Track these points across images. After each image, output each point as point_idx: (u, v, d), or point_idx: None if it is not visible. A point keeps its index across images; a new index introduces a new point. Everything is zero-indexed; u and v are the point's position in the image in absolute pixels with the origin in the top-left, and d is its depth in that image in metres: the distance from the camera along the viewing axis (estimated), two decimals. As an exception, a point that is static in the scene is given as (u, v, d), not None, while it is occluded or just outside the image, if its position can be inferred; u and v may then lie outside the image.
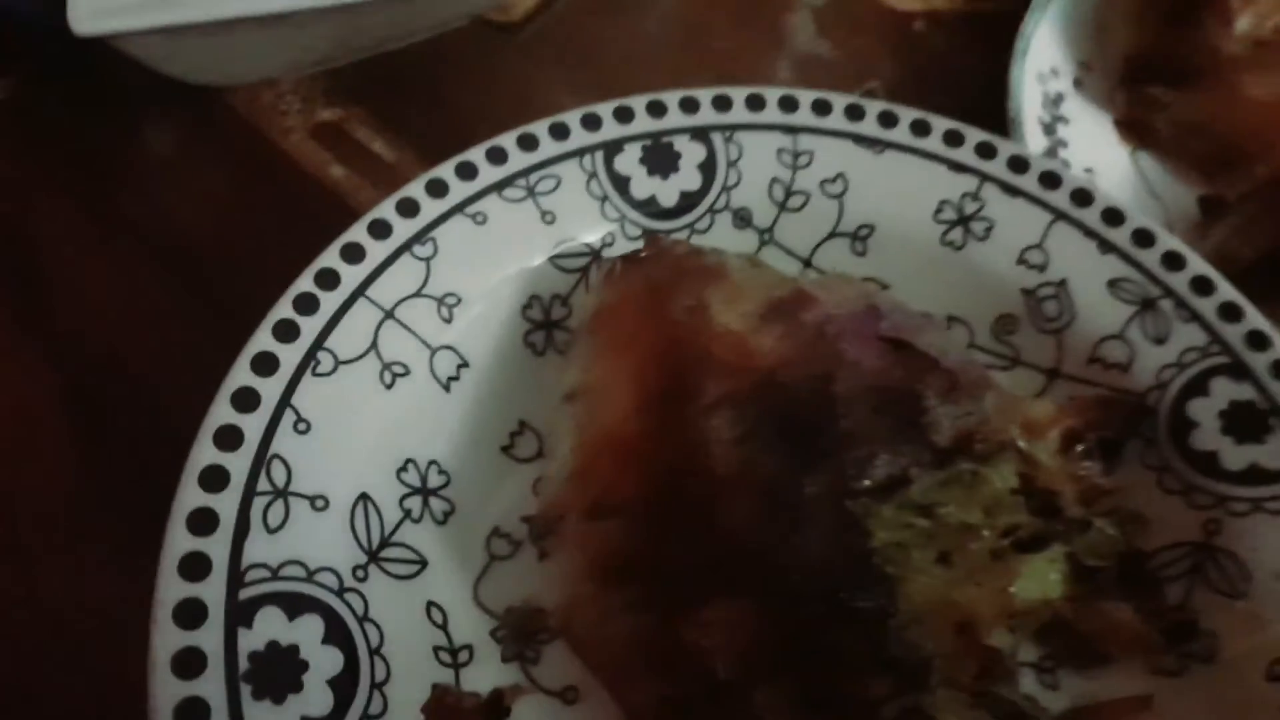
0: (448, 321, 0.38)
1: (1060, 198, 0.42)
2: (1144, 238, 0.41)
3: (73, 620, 0.38)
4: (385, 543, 0.35)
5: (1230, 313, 0.39)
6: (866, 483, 0.33)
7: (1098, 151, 0.51)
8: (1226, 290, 0.39)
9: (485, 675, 0.35)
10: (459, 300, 0.39)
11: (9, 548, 0.39)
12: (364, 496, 0.35)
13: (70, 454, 0.42)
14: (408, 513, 0.36)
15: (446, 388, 0.38)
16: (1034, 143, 0.48)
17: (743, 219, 0.43)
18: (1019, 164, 0.42)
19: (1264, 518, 0.36)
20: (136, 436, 0.42)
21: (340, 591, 0.32)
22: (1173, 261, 0.40)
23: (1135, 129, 0.52)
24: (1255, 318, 0.39)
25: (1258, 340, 0.38)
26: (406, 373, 0.37)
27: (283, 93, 0.53)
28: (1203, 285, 0.40)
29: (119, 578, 0.38)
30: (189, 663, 0.29)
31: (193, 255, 0.47)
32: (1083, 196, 0.42)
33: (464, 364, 0.39)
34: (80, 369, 0.44)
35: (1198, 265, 0.40)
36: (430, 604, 0.35)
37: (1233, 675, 0.35)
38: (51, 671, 0.37)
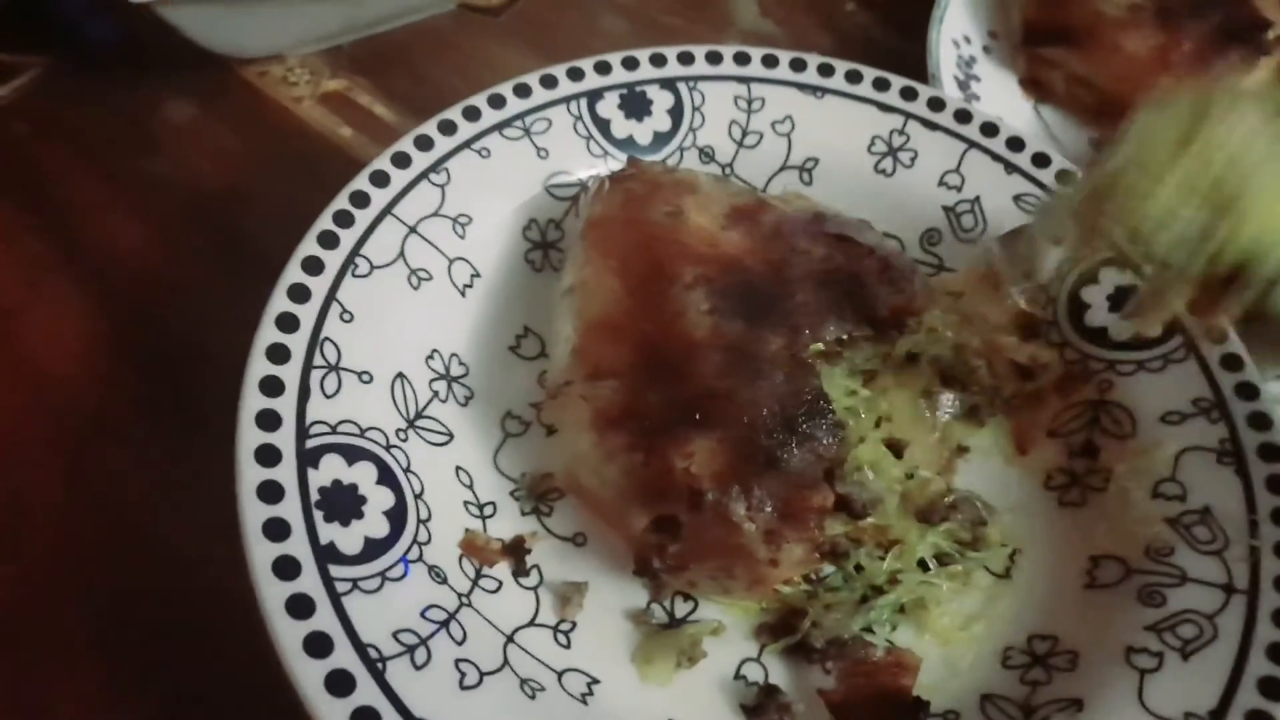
0: (461, 238, 0.45)
1: (972, 130, 0.50)
2: (1041, 160, 0.49)
3: (142, 498, 0.43)
4: (420, 415, 0.41)
5: (1113, 216, 0.47)
6: (818, 344, 0.40)
7: (1006, 105, 0.59)
8: (1109, 199, 0.48)
9: (508, 525, 0.41)
10: (470, 220, 0.45)
11: (87, 449, 0.44)
12: (400, 375, 0.41)
13: (124, 372, 0.47)
14: (436, 393, 0.42)
15: (463, 293, 0.45)
16: (950, 95, 0.56)
17: (707, 155, 0.50)
18: (937, 103, 0.50)
19: (1145, 375, 0.44)
20: (177, 356, 0.47)
21: (387, 447, 0.39)
22: (1065, 178, 0.48)
23: (1036, 85, 0.61)
24: (1133, 219, 0.47)
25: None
26: (430, 278, 0.43)
27: (291, 66, 0.59)
28: (1090, 195, 0.48)
29: (174, 467, 0.43)
30: (270, 492, 0.35)
31: (218, 207, 0.53)
32: (990, 129, 0.50)
33: (476, 274, 0.45)
34: (123, 304, 0.49)
35: (1085, 180, 0.48)
36: (458, 468, 0.41)
37: (1124, 498, 0.42)
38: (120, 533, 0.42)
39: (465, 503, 0.41)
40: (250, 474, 0.35)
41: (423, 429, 0.41)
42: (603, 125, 0.49)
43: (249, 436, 0.36)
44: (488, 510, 0.41)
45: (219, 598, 0.35)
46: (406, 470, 0.39)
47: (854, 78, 0.51)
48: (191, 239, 0.51)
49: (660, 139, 0.50)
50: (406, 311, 0.42)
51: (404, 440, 0.39)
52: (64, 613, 0.40)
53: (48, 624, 0.40)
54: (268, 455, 0.35)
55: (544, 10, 0.65)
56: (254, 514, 0.34)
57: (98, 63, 0.57)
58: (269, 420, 0.36)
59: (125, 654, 0.39)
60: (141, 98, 0.56)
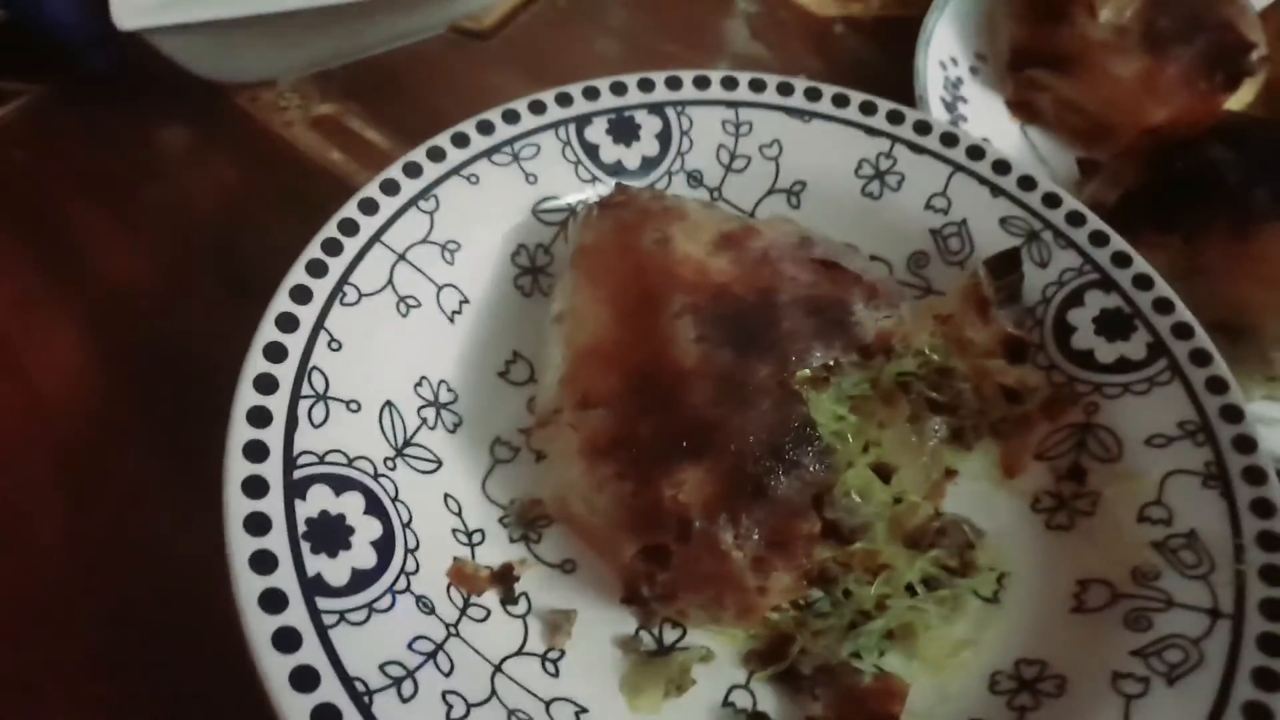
0: (450, 264, 0.45)
1: (958, 153, 0.50)
2: (1027, 183, 0.49)
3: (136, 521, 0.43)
4: (408, 443, 0.41)
5: (1099, 239, 0.47)
6: (806, 371, 0.40)
7: (992, 126, 0.60)
8: (1095, 221, 0.48)
9: (496, 552, 0.41)
10: (459, 246, 0.45)
11: (89, 473, 0.44)
12: (389, 403, 0.41)
13: (122, 399, 0.47)
14: (424, 420, 0.42)
15: (451, 319, 0.45)
16: (938, 117, 0.56)
17: (696, 179, 0.51)
18: (923, 127, 0.51)
19: (1131, 398, 0.44)
20: (176, 381, 0.47)
21: (375, 476, 0.39)
22: (1051, 200, 0.49)
23: (1023, 107, 0.61)
24: (1119, 242, 0.47)
25: (1121, 259, 0.47)
26: (418, 304, 0.43)
27: (282, 91, 0.59)
28: (1076, 218, 0.48)
29: (172, 492, 0.43)
30: (257, 524, 0.35)
31: (212, 233, 0.53)
32: (976, 152, 0.50)
33: (465, 300, 0.45)
34: (120, 330, 0.49)
35: (1071, 203, 0.49)
36: (447, 495, 0.41)
37: (1111, 522, 0.42)
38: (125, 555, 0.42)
39: (454, 530, 0.41)
40: (238, 506, 0.35)
41: (411, 457, 0.41)
42: (591, 150, 0.49)
43: (237, 468, 0.36)
44: (476, 538, 0.41)
45: (219, 609, 0.35)
46: (394, 499, 0.39)
47: (841, 101, 0.51)
48: (188, 266, 0.52)
49: (648, 163, 0.50)
50: (395, 339, 0.42)
51: (392, 469, 0.39)
52: (69, 627, 0.40)
53: (52, 640, 0.40)
54: (255, 487, 0.36)
55: (535, 34, 0.65)
56: (241, 547, 0.34)
57: (91, 90, 0.57)
58: (257, 451, 0.36)
59: (126, 664, 0.39)
60: (135, 124, 0.57)
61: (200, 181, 0.55)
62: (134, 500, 0.44)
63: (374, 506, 0.38)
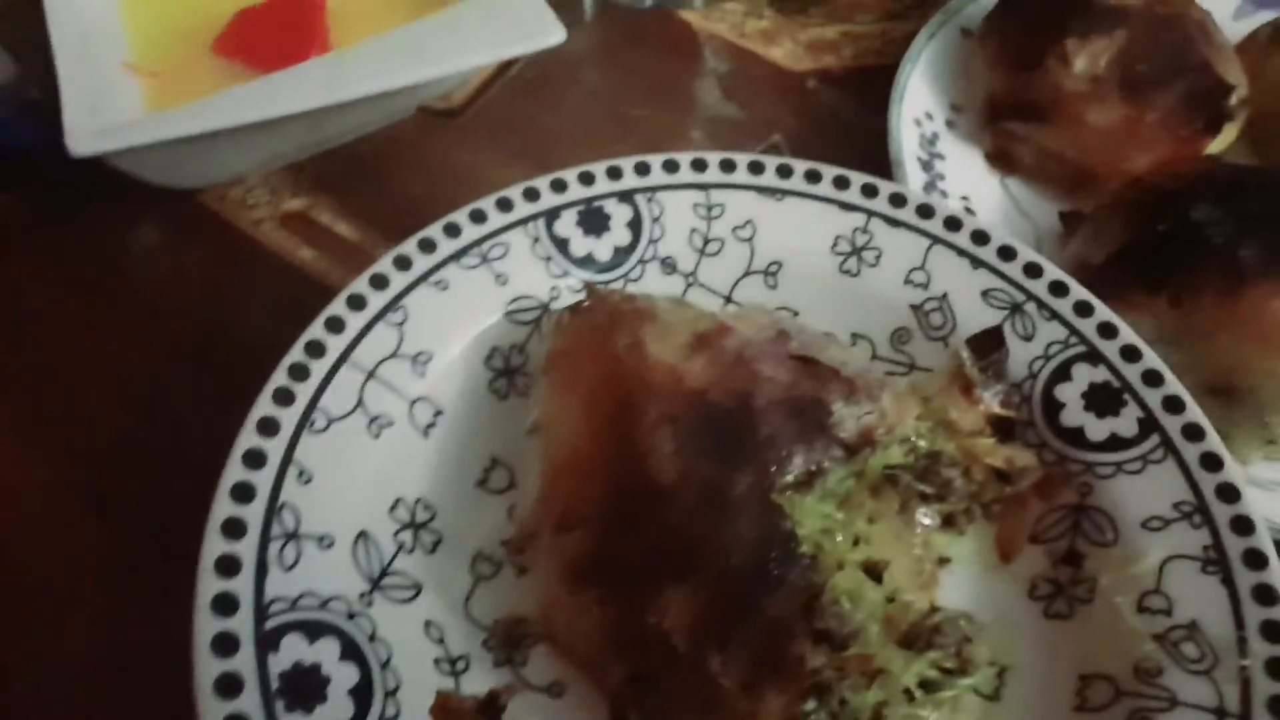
0: (422, 376, 0.44)
1: (935, 225, 0.49)
2: (1007, 253, 0.48)
3: (107, 670, 0.42)
4: (384, 572, 0.40)
5: (1083, 309, 0.46)
6: (788, 478, 0.39)
7: (972, 181, 0.59)
8: (1079, 291, 0.47)
9: (481, 679, 0.40)
10: (430, 357, 0.45)
11: (46, 618, 0.44)
12: (363, 534, 0.40)
13: (91, 523, 0.46)
14: (401, 545, 0.41)
15: (425, 434, 0.44)
16: (914, 178, 0.55)
17: (669, 266, 0.50)
18: (898, 199, 0.50)
19: (1125, 477, 0.43)
20: (149, 504, 0.47)
21: (350, 616, 0.38)
22: (1032, 271, 0.48)
23: (1002, 160, 0.60)
24: (1104, 311, 0.46)
25: (1108, 330, 0.46)
26: (390, 423, 0.43)
27: (251, 188, 0.58)
28: (1059, 288, 0.47)
29: (149, 629, 0.42)
30: (228, 685, 0.34)
31: (183, 344, 0.52)
32: (954, 223, 0.49)
33: (439, 412, 0.44)
34: (90, 444, 0.48)
35: (1054, 272, 0.47)
36: (428, 622, 0.40)
37: (1110, 612, 0.41)
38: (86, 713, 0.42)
39: (436, 660, 0.40)
40: (208, 667, 0.34)
41: (388, 587, 0.40)
42: (561, 244, 0.48)
43: (205, 625, 0.35)
44: (460, 665, 0.40)
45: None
46: (371, 639, 0.38)
47: (813, 177, 0.50)
48: (159, 382, 0.51)
49: (620, 253, 0.49)
50: (367, 463, 0.41)
51: (368, 605, 0.39)
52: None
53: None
54: (225, 644, 0.35)
55: (505, 107, 0.65)
56: (212, 712, 0.33)
57: (54, 201, 0.56)
58: (226, 605, 0.35)
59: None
60: (101, 233, 0.56)
61: (170, 289, 0.54)
62: (105, 635, 0.43)
63: (350, 651, 0.37)
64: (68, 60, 0.49)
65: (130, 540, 0.46)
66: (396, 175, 0.60)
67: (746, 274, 0.50)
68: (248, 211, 0.58)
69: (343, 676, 0.36)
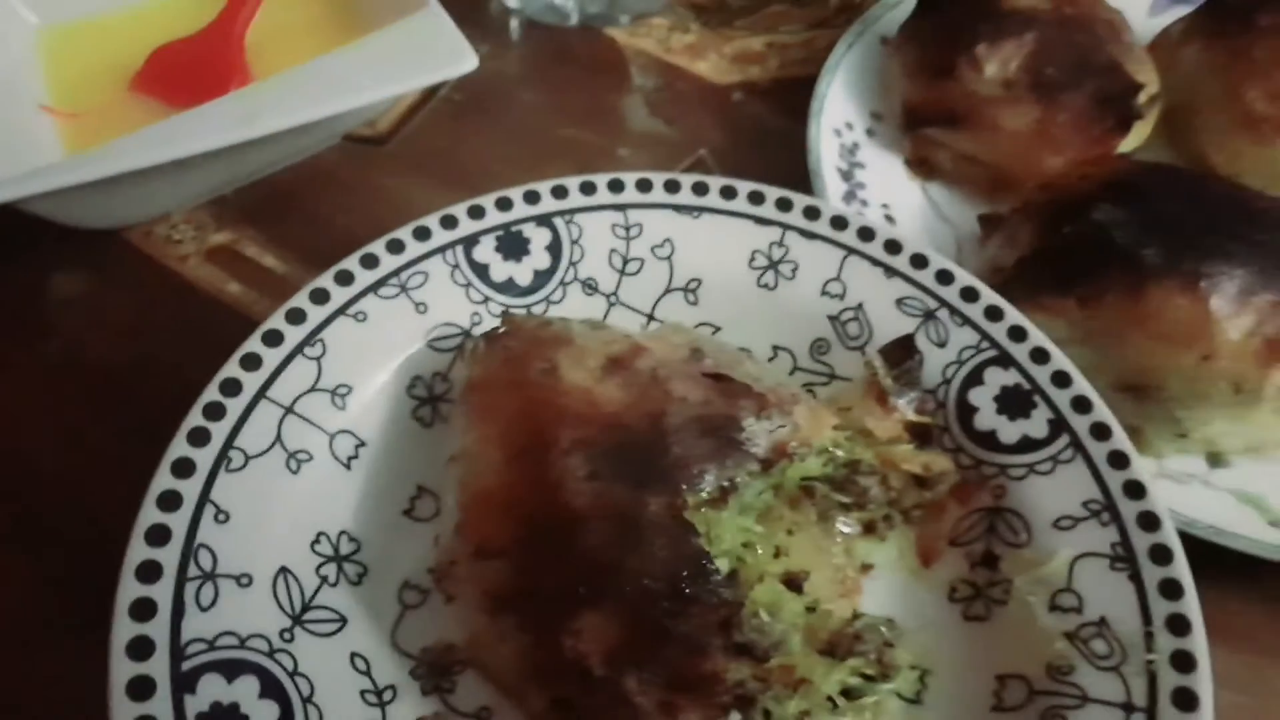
0: (342, 409, 0.44)
1: (849, 236, 0.50)
2: (919, 261, 0.49)
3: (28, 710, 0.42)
4: (307, 606, 0.40)
5: (993, 314, 0.47)
6: (703, 494, 0.40)
7: (892, 188, 0.60)
8: (989, 295, 0.48)
9: (409, 709, 0.40)
10: (350, 389, 0.45)
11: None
12: (284, 570, 0.40)
13: (15, 562, 0.46)
14: (324, 579, 0.41)
15: (348, 466, 0.44)
16: (834, 188, 0.56)
17: (590, 287, 0.50)
18: (812, 212, 0.50)
19: (1036, 478, 0.44)
20: (72, 544, 0.46)
21: (271, 653, 0.38)
22: (944, 277, 0.48)
23: (922, 166, 0.61)
24: (1014, 315, 0.47)
25: (1018, 333, 0.47)
26: (310, 458, 0.43)
27: (176, 224, 0.58)
28: (970, 294, 0.48)
29: (72, 664, 0.42)
30: (144, 729, 0.34)
31: (111, 385, 0.52)
32: (867, 233, 0.50)
33: (361, 443, 0.45)
34: (13, 486, 0.48)
35: (964, 278, 0.48)
36: (354, 654, 0.41)
37: (1024, 612, 0.42)
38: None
39: (363, 692, 0.40)
40: (124, 711, 0.34)
41: (311, 621, 0.40)
42: (481, 270, 0.49)
43: (120, 669, 0.35)
44: (387, 695, 0.40)
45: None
46: (293, 674, 0.38)
47: (729, 193, 0.51)
48: (102, 419, 0.51)
49: (541, 276, 0.49)
50: (287, 499, 0.42)
51: (289, 640, 0.39)
52: None
53: None
54: (141, 687, 0.35)
55: (432, 132, 0.65)
56: (127, 757, 0.33)
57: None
58: (141, 648, 0.36)
59: None
60: (25, 279, 0.56)
61: (97, 330, 0.54)
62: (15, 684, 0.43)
63: (270, 687, 0.37)
64: (-23, 106, 0.49)
65: (52, 579, 0.46)
66: (324, 205, 0.60)
67: (667, 292, 0.51)
68: (173, 247, 0.58)
69: (263, 714, 0.36)
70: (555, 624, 0.37)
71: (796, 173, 0.57)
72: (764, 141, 0.65)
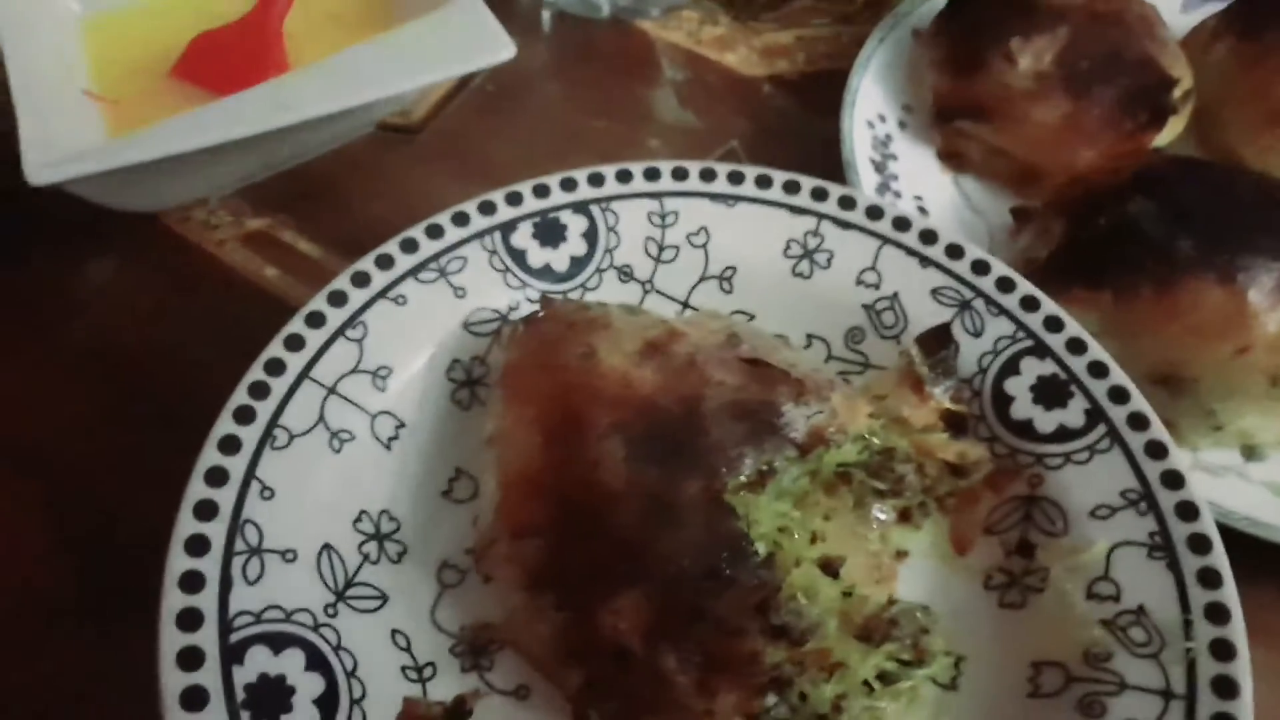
0: (382, 391, 0.45)
1: (885, 226, 0.50)
2: (955, 251, 0.49)
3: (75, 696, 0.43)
4: (350, 583, 0.41)
5: (1029, 304, 0.47)
6: (741, 478, 0.40)
7: (924, 180, 0.60)
8: (1025, 286, 0.48)
9: (448, 685, 0.41)
10: (390, 371, 0.45)
11: (12, 648, 0.44)
12: (327, 546, 0.41)
13: (54, 552, 0.47)
14: (366, 556, 0.42)
15: (388, 446, 0.45)
16: (867, 180, 0.57)
17: (626, 274, 0.51)
18: (848, 202, 0.51)
19: (1073, 467, 0.44)
20: (107, 532, 0.47)
21: (315, 627, 0.38)
22: (980, 268, 0.49)
23: (953, 158, 0.61)
24: (1050, 305, 0.47)
25: (1054, 324, 0.47)
26: (352, 438, 0.43)
27: (213, 209, 0.59)
28: (1006, 284, 0.48)
29: (83, 654, 0.43)
30: (194, 698, 0.35)
31: (148, 369, 0.53)
32: (902, 223, 0.50)
33: (401, 425, 0.45)
34: (46, 476, 0.49)
35: (1000, 268, 0.48)
36: (394, 631, 0.41)
37: (1061, 600, 0.42)
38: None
39: (403, 668, 0.40)
40: (173, 681, 0.35)
41: (353, 598, 0.41)
42: (518, 256, 0.49)
43: (170, 639, 0.35)
44: (427, 672, 0.41)
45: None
46: (337, 649, 0.38)
47: (764, 183, 0.51)
48: (124, 407, 0.51)
49: (577, 263, 0.50)
50: (330, 478, 0.42)
51: (333, 616, 0.39)
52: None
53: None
54: (191, 658, 0.35)
55: (464, 123, 0.65)
56: (178, 725, 0.34)
57: (10, 233, 0.57)
58: (190, 620, 0.36)
59: None
60: (61, 262, 0.56)
61: (133, 314, 0.55)
62: (68, 665, 0.43)
63: (315, 660, 0.38)
64: (25, 91, 0.49)
65: (92, 567, 0.46)
66: (358, 194, 0.61)
67: (702, 279, 0.51)
68: (210, 232, 0.58)
69: (308, 686, 0.37)
70: (593, 603, 0.37)
71: (827, 165, 0.57)
72: (794, 134, 0.66)
